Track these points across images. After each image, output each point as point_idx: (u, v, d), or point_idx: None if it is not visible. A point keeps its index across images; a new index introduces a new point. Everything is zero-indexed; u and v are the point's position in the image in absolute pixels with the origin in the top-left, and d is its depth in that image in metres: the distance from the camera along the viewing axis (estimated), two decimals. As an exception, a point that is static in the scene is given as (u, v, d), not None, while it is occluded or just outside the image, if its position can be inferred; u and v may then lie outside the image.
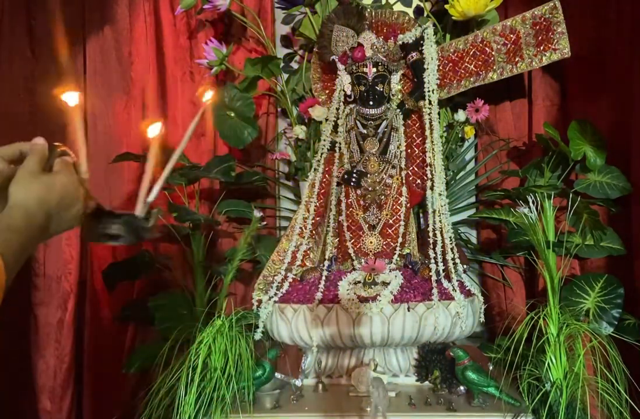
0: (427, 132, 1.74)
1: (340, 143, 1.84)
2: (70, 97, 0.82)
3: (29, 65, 2.19)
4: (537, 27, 1.78)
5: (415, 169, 1.83)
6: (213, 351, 1.49)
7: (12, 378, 2.10)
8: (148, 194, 0.84)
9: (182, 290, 1.99)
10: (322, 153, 1.82)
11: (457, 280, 1.65)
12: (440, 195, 1.73)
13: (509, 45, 1.82)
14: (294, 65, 2.24)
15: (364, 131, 1.82)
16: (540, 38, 1.78)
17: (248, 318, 1.72)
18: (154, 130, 0.89)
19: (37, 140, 0.77)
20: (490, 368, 1.54)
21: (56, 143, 0.79)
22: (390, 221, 1.79)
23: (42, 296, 2.12)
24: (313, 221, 1.82)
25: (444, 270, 1.64)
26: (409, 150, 1.84)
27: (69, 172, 0.77)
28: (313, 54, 1.99)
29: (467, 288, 1.66)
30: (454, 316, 1.59)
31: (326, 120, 1.89)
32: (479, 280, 2.11)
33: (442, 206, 1.72)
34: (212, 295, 1.89)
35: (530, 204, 1.57)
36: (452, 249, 1.68)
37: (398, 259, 1.78)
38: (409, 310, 1.57)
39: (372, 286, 1.61)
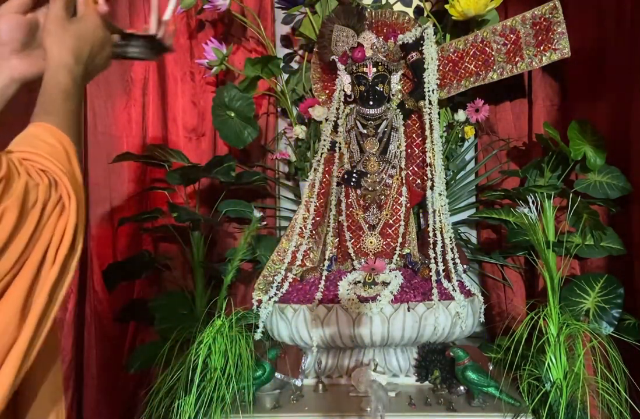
0: (427, 132, 1.75)
1: (340, 143, 1.84)
2: None
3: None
4: (537, 27, 1.78)
5: (415, 169, 1.84)
6: (213, 351, 1.49)
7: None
8: (163, 13, 0.86)
9: (182, 290, 1.99)
10: (322, 153, 1.82)
11: (457, 280, 1.65)
12: (440, 195, 1.73)
13: (509, 45, 1.82)
14: (294, 65, 2.24)
15: (364, 131, 1.82)
16: (540, 38, 1.78)
17: (248, 318, 1.73)
18: None
19: None
20: (490, 368, 1.54)
21: None
22: (390, 221, 1.79)
23: (42, 296, 2.11)
24: (313, 221, 1.82)
25: (444, 270, 1.64)
26: (409, 150, 1.84)
27: (93, 13, 0.76)
28: (313, 54, 1.99)
29: (467, 288, 1.66)
30: (454, 316, 1.59)
31: (326, 120, 1.89)
32: (479, 280, 2.11)
33: (442, 206, 1.72)
34: (212, 295, 1.88)
35: (530, 204, 1.57)
36: (452, 249, 1.68)
37: (398, 259, 1.78)
38: (409, 310, 1.57)
39: (372, 286, 1.61)
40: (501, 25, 1.83)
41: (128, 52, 0.85)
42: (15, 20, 0.75)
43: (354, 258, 1.78)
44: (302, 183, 2.01)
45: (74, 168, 0.65)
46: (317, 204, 1.83)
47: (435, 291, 1.59)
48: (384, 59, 1.80)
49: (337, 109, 1.85)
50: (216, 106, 2.00)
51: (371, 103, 1.80)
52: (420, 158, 1.83)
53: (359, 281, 1.64)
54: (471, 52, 1.85)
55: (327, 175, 1.84)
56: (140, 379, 1.99)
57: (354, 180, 1.78)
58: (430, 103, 1.76)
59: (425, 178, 1.76)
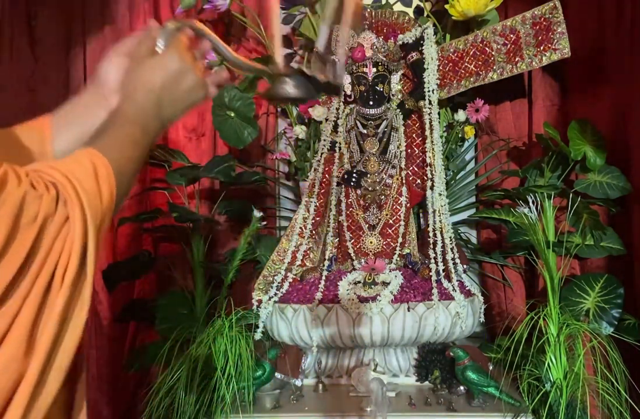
0: (427, 132, 1.75)
1: (340, 143, 1.84)
2: None
3: (29, 65, 2.19)
4: (537, 27, 1.78)
5: (415, 169, 1.84)
6: (213, 351, 1.50)
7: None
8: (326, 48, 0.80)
9: (182, 290, 1.99)
10: (322, 153, 1.82)
11: (457, 280, 1.65)
12: (440, 195, 1.73)
13: (509, 45, 1.82)
14: (294, 65, 2.24)
15: (364, 131, 1.82)
16: (540, 38, 1.78)
17: (248, 318, 1.72)
18: None
19: (150, 24, 0.78)
20: (490, 368, 1.54)
21: (170, 21, 0.78)
22: (390, 221, 1.79)
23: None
24: (313, 221, 1.82)
25: (444, 270, 1.64)
26: (409, 150, 1.84)
27: (174, 48, 0.76)
28: (313, 54, 1.99)
29: (467, 288, 1.66)
30: (454, 316, 1.59)
31: (326, 120, 1.89)
32: (479, 280, 2.11)
33: (442, 206, 1.72)
34: (212, 295, 1.89)
35: (530, 204, 1.57)
36: (452, 249, 1.68)
37: (398, 259, 1.78)
38: (409, 310, 1.57)
39: (372, 286, 1.61)
40: (501, 25, 1.83)
41: (281, 92, 0.77)
42: (121, 62, 0.79)
43: (354, 258, 1.78)
44: (302, 183, 2.01)
45: (101, 189, 0.60)
46: (317, 204, 1.83)
47: (435, 291, 1.59)
48: (384, 58, 1.80)
49: (337, 109, 1.86)
50: (216, 106, 2.00)
51: (371, 103, 1.80)
52: (420, 158, 1.83)
53: (359, 281, 1.64)
54: (471, 52, 1.85)
55: (327, 175, 1.84)
56: (140, 379, 1.99)
57: (354, 180, 1.78)
58: (430, 103, 1.76)
59: (425, 178, 1.76)
